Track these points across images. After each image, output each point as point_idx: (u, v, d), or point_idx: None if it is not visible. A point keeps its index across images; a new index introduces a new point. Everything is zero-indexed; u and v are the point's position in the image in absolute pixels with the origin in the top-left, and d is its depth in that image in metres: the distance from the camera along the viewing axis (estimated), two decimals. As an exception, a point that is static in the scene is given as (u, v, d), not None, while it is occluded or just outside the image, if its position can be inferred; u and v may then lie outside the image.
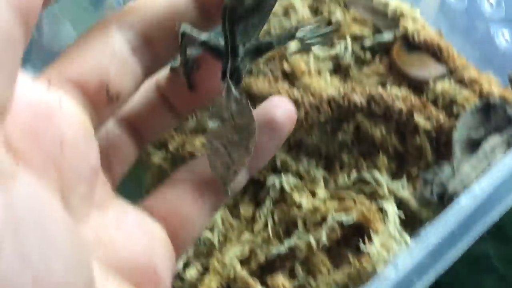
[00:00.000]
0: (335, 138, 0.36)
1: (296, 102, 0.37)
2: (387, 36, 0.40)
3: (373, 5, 0.41)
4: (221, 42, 0.20)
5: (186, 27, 0.19)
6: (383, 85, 0.38)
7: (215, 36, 0.20)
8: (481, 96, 0.36)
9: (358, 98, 0.35)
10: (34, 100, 0.16)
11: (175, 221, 0.19)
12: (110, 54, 0.18)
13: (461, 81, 0.37)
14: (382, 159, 0.36)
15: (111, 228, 0.18)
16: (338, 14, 0.41)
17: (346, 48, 0.40)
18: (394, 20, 0.40)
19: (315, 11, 0.42)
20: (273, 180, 0.36)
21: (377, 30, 0.40)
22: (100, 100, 0.18)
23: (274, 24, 0.42)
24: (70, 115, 0.17)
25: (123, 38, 0.18)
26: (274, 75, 0.40)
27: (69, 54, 0.18)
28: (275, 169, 0.37)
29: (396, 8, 0.39)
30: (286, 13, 0.42)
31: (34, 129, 0.15)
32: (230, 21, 0.19)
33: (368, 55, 0.40)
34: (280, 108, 0.21)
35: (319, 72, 0.40)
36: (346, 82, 0.39)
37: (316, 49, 0.40)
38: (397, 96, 0.36)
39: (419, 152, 0.36)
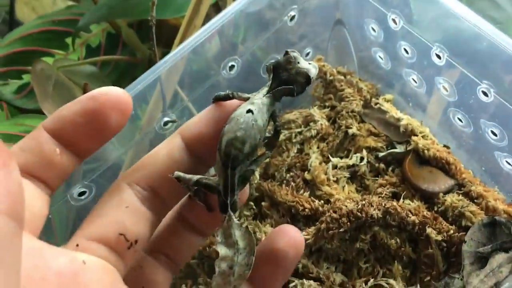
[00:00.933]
0: (353, 246, 0.39)
1: (316, 212, 0.40)
2: (399, 148, 0.44)
3: (387, 120, 0.45)
4: (209, 180, 0.24)
5: (178, 174, 0.23)
6: (397, 195, 0.42)
7: (204, 177, 0.24)
8: (488, 211, 0.39)
9: (375, 212, 0.39)
10: (64, 269, 0.19)
11: None
12: (124, 209, 0.22)
13: (468, 195, 0.40)
14: (397, 267, 0.39)
15: None
16: (354, 127, 0.45)
17: (361, 158, 0.44)
18: (405, 134, 0.44)
19: (333, 121, 0.46)
20: (295, 283, 0.39)
21: (390, 143, 0.45)
22: (121, 248, 0.21)
23: (295, 133, 0.46)
24: (94, 273, 0.20)
25: (133, 193, 0.22)
26: (296, 182, 0.43)
27: (90, 217, 0.22)
28: (296, 273, 0.40)
29: (407, 124, 0.43)
30: (306, 123, 0.46)
31: None
32: (232, 167, 0.23)
33: (382, 165, 0.44)
34: (285, 237, 0.24)
35: (337, 180, 0.44)
36: (362, 190, 0.43)
37: (335, 160, 0.44)
38: (410, 209, 0.39)
39: (431, 261, 0.39)
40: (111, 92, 0.20)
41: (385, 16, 0.39)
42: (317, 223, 0.39)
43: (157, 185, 0.23)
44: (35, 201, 0.20)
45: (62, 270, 0.19)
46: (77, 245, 0.21)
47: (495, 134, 0.37)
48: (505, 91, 0.34)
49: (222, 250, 0.23)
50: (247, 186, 0.25)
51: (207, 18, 0.39)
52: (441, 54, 0.37)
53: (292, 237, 0.24)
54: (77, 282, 0.19)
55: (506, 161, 0.37)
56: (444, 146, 0.43)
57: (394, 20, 0.39)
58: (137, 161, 0.24)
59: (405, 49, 0.40)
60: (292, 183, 0.43)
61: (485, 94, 0.35)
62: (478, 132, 0.38)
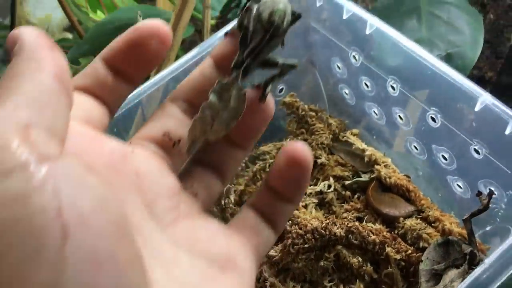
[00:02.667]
0: (318, 265, 0.41)
1: (284, 231, 0.43)
2: (364, 177, 0.47)
3: (353, 151, 0.49)
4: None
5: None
6: (361, 219, 0.44)
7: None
8: (444, 233, 0.42)
9: (338, 230, 0.41)
10: (115, 151, 0.22)
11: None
12: (167, 116, 0.25)
13: (426, 220, 0.43)
14: (359, 285, 0.41)
15: (199, 230, 0.23)
16: (323, 158, 0.48)
17: (329, 186, 0.47)
18: (369, 164, 0.47)
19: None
20: (262, 300, 0.40)
21: (356, 172, 0.48)
22: (167, 145, 0.25)
23: (270, 162, 0.49)
24: (143, 158, 0.23)
25: (175, 106, 0.26)
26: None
27: (144, 125, 0.26)
28: (263, 290, 0.41)
29: (371, 155, 0.47)
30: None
31: (112, 164, 0.22)
32: (271, 35, 0.25)
33: (348, 193, 0.47)
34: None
35: (305, 206, 0.46)
36: (329, 216, 0.46)
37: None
38: (371, 229, 0.42)
39: (391, 280, 0.41)
40: (151, 23, 0.23)
41: (347, 53, 0.44)
42: (284, 240, 0.42)
43: (193, 98, 0.26)
44: (95, 110, 0.23)
45: (114, 150, 0.22)
46: (130, 142, 0.24)
47: (445, 159, 0.40)
48: (449, 116, 0.38)
49: (213, 98, 0.24)
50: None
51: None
52: (394, 86, 0.41)
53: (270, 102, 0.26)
54: (126, 162, 0.22)
55: (457, 185, 0.41)
56: (405, 175, 0.46)
57: (354, 57, 0.43)
58: None
59: (365, 83, 0.44)
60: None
61: (433, 120, 0.39)
62: (431, 158, 0.41)
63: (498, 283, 0.28)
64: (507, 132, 0.33)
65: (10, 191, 0.14)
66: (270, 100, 0.26)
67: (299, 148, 0.25)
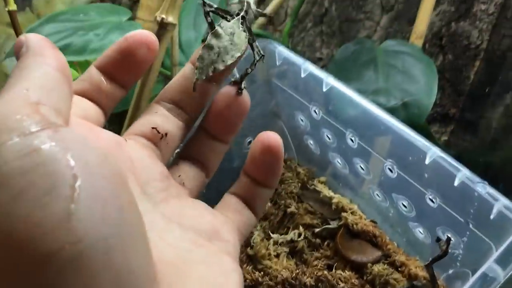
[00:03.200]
0: (290, 314, 0.43)
1: (256, 283, 0.44)
2: (332, 224, 0.49)
3: (321, 199, 0.51)
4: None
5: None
6: (331, 266, 0.46)
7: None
8: (410, 277, 0.43)
9: (308, 279, 0.42)
10: (110, 139, 0.25)
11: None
12: (154, 113, 0.28)
13: (393, 264, 0.45)
14: (330, 334, 0.42)
15: (187, 208, 0.26)
16: (293, 207, 0.50)
17: (299, 234, 0.49)
18: (337, 211, 0.49)
19: (274, 202, 0.51)
20: None
21: (324, 220, 0.49)
22: (155, 138, 0.28)
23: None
24: (135, 147, 0.26)
25: (161, 105, 0.29)
26: (240, 257, 0.47)
27: (133, 124, 0.29)
28: None
29: (338, 202, 0.49)
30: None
31: (109, 148, 0.25)
32: None
33: (318, 240, 0.48)
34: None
35: (277, 255, 0.48)
36: (300, 264, 0.47)
37: (275, 236, 0.48)
38: (340, 277, 0.43)
39: (361, 327, 0.42)
40: (139, 33, 0.26)
41: (308, 108, 0.46)
42: (256, 292, 0.43)
43: (177, 99, 0.29)
44: (91, 109, 0.26)
45: (109, 138, 0.25)
46: (124, 137, 0.27)
47: (405, 206, 0.42)
48: (404, 168, 0.40)
49: (220, 30, 0.28)
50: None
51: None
52: (353, 138, 0.43)
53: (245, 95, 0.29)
54: (121, 149, 0.25)
55: (419, 231, 0.42)
56: (371, 220, 0.48)
57: (315, 111, 0.46)
58: None
59: (327, 136, 0.46)
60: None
61: (390, 170, 0.41)
62: (393, 205, 0.43)
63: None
64: (455, 183, 0.35)
65: (30, 145, 0.17)
66: (246, 94, 0.29)
67: (272, 136, 0.28)
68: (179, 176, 0.29)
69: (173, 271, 0.21)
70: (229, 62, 0.28)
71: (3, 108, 0.18)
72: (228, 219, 0.28)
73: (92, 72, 0.27)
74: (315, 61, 0.77)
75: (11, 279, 0.16)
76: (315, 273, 0.43)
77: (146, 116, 0.29)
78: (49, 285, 0.15)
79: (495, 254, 0.30)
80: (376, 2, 0.72)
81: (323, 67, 0.72)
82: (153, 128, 0.28)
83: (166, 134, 0.28)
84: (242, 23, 0.30)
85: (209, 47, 0.28)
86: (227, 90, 0.29)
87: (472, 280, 0.30)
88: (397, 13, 0.72)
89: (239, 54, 0.29)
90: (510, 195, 0.60)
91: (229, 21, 0.30)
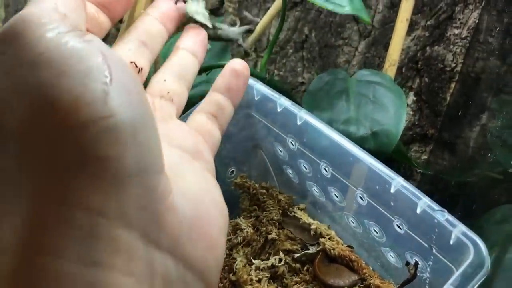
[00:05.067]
0: (271, 338, 0.45)
1: (238, 309, 0.46)
2: (311, 250, 0.51)
3: (301, 225, 0.53)
4: None
5: None
6: (309, 291, 0.48)
7: None
8: (384, 300, 0.46)
9: (287, 305, 0.45)
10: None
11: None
12: (128, 51, 0.32)
13: (369, 287, 0.47)
14: None
15: (173, 130, 0.29)
16: (274, 233, 0.52)
17: (280, 260, 0.51)
18: (316, 237, 0.51)
19: (257, 229, 0.54)
20: None
21: (304, 245, 0.52)
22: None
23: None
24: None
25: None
26: (223, 283, 0.49)
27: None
28: None
29: (316, 228, 0.51)
30: (234, 231, 0.53)
31: None
32: None
33: (298, 265, 0.50)
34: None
35: (259, 280, 0.50)
36: (281, 288, 0.49)
37: (257, 262, 0.50)
38: (318, 301, 0.45)
39: None
40: None
41: (285, 139, 0.49)
42: (237, 318, 0.45)
43: (144, 38, 0.33)
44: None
45: None
46: None
47: (376, 232, 0.44)
48: (373, 196, 0.42)
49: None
50: None
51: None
52: (327, 168, 0.46)
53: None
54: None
55: (390, 255, 0.45)
56: (348, 246, 0.50)
57: (291, 143, 0.48)
58: None
59: (304, 166, 0.49)
60: (220, 284, 0.49)
61: (361, 198, 0.43)
62: (366, 231, 0.46)
63: None
64: (418, 211, 0.38)
65: (66, 41, 0.19)
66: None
67: (239, 62, 0.34)
68: (168, 93, 0.32)
69: (169, 174, 0.24)
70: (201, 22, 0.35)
71: (36, 10, 0.20)
72: (205, 141, 0.31)
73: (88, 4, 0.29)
74: (297, 85, 0.80)
75: (53, 143, 0.18)
76: (294, 298, 0.45)
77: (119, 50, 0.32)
78: (85, 148, 0.18)
79: (451, 278, 0.32)
80: (354, 29, 0.75)
81: (305, 91, 0.75)
82: (132, 62, 0.31)
83: (141, 69, 0.31)
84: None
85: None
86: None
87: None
88: (374, 39, 0.74)
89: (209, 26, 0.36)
90: (487, 212, 0.63)
91: None
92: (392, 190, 0.39)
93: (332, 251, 0.49)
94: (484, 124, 0.71)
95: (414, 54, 0.73)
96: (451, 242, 0.36)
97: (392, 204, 0.40)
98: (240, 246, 0.52)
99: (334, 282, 0.48)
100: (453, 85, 0.73)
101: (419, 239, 0.39)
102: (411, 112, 0.74)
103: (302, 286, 0.48)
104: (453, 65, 0.72)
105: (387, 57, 0.61)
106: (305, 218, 0.52)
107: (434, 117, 0.73)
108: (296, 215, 0.53)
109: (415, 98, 0.74)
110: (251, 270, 0.50)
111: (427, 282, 0.42)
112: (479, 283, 0.33)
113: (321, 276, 0.48)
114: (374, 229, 0.45)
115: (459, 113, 0.72)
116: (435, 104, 0.73)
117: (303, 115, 0.45)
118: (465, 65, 0.72)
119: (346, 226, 0.50)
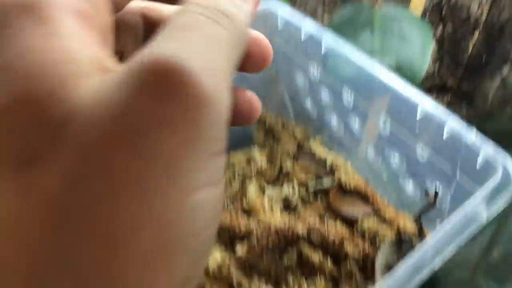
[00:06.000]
0: (282, 262, 0.44)
1: (251, 232, 0.46)
2: (326, 182, 0.50)
3: (316, 158, 0.52)
4: None
5: None
6: (323, 220, 0.47)
7: None
8: (398, 231, 0.45)
9: (300, 229, 0.44)
10: None
11: None
12: None
13: (383, 219, 0.46)
14: (320, 281, 0.44)
15: None
16: (288, 164, 0.51)
17: (294, 190, 0.50)
18: (331, 170, 0.51)
19: (271, 161, 0.53)
20: (230, 297, 0.43)
21: (318, 177, 0.51)
22: None
23: (239, 170, 0.52)
24: None
25: None
26: (236, 210, 0.49)
27: None
28: (231, 287, 0.44)
29: (332, 161, 0.50)
30: (248, 162, 0.53)
31: None
32: None
33: (311, 197, 0.50)
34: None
35: (271, 209, 0.49)
36: (293, 217, 0.49)
37: (270, 192, 0.50)
38: (332, 229, 0.45)
39: (350, 275, 0.44)
40: None
41: (308, 67, 0.47)
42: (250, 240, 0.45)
43: None
44: None
45: None
46: None
47: (396, 161, 0.43)
48: (398, 122, 0.41)
49: None
50: None
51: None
52: (349, 96, 0.44)
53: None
54: None
55: (409, 186, 0.44)
56: (364, 179, 0.49)
57: (314, 71, 0.47)
58: None
59: (325, 94, 0.48)
60: (233, 211, 0.49)
61: (384, 126, 0.42)
62: (385, 161, 0.45)
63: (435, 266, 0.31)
64: (445, 134, 0.37)
65: None
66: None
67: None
68: None
69: None
70: None
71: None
72: None
73: None
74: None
75: None
76: (307, 223, 0.45)
77: None
78: None
79: (479, 194, 0.32)
80: (378, -27, 0.73)
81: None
82: None
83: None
84: None
85: None
86: None
87: (455, 218, 0.31)
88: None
89: None
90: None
91: None
92: (418, 115, 0.38)
93: (347, 183, 0.49)
94: (504, 77, 0.69)
95: (439, 1, 0.71)
96: (477, 166, 0.35)
97: (417, 128, 0.39)
98: (253, 177, 0.52)
99: (348, 213, 0.47)
100: (476, 35, 0.71)
101: (442, 165, 0.39)
102: (432, 61, 0.72)
103: (315, 216, 0.48)
104: (478, 14, 0.70)
105: (413, -2, 0.59)
106: (321, 151, 0.52)
107: (455, 67, 0.72)
108: (312, 148, 0.52)
109: (436, 47, 0.72)
110: (264, 199, 0.50)
111: (446, 212, 0.41)
112: (506, 204, 0.32)
113: (335, 207, 0.48)
114: (394, 159, 0.44)
115: (480, 64, 0.70)
116: (456, 53, 0.72)
117: (328, 40, 0.44)
118: (489, 15, 0.70)
119: (363, 160, 0.49)
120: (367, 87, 0.42)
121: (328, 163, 0.51)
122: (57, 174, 0.13)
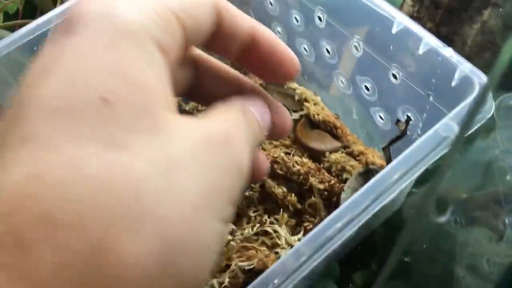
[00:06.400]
0: (243, 195, 0.42)
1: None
2: (294, 115, 0.47)
3: (285, 91, 0.49)
4: None
5: None
6: (288, 153, 0.45)
7: None
8: (366, 165, 0.43)
9: (263, 161, 0.41)
10: None
11: None
12: None
13: (351, 154, 0.44)
14: (283, 216, 0.41)
15: None
16: (254, 96, 0.48)
17: (259, 123, 0.47)
18: (300, 102, 0.47)
19: (237, 93, 0.49)
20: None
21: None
22: None
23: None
24: None
25: None
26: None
27: None
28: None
29: (301, 93, 0.47)
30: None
31: None
32: None
33: (278, 130, 0.47)
34: None
35: (235, 142, 0.46)
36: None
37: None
38: (296, 160, 0.42)
39: (314, 210, 0.41)
40: None
41: (276, -14, 0.43)
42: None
43: None
44: None
45: None
46: None
47: (368, 89, 0.41)
48: (371, 42, 0.38)
49: None
50: None
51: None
52: (321, 17, 0.41)
53: None
54: None
55: (380, 116, 0.41)
56: (335, 114, 0.46)
57: (283, -10, 0.43)
58: None
59: (295, 18, 0.44)
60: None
61: (356, 48, 0.39)
62: (356, 90, 0.42)
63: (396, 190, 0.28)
64: (420, 51, 0.34)
65: None
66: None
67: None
68: None
69: None
70: None
71: None
72: None
73: None
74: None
75: None
76: (271, 154, 0.42)
77: None
78: None
79: (451, 113, 0.29)
80: None
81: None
82: None
83: None
84: None
85: None
86: None
87: (422, 138, 0.29)
88: None
89: None
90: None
91: None
92: (393, 30, 0.35)
93: (316, 116, 0.46)
94: (484, 21, 0.67)
95: None
96: (453, 84, 0.32)
97: (391, 47, 0.36)
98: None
99: (315, 146, 0.44)
100: (458, -23, 0.67)
101: (416, 87, 0.36)
102: (410, 3, 0.69)
103: (280, 150, 0.45)
104: (462, -45, 0.67)
105: None
106: (289, 83, 0.48)
107: (434, 9, 0.69)
108: (281, 79, 0.49)
109: (416, -12, 0.68)
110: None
111: (416, 140, 0.39)
112: (481, 123, 0.30)
113: (302, 139, 0.45)
114: (365, 86, 0.41)
115: (461, 8, 0.67)
116: (436, -4, 0.68)
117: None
118: (474, -44, 0.66)
119: (333, 94, 0.46)
120: (339, 4, 0.39)
121: (297, 95, 0.47)
122: None
